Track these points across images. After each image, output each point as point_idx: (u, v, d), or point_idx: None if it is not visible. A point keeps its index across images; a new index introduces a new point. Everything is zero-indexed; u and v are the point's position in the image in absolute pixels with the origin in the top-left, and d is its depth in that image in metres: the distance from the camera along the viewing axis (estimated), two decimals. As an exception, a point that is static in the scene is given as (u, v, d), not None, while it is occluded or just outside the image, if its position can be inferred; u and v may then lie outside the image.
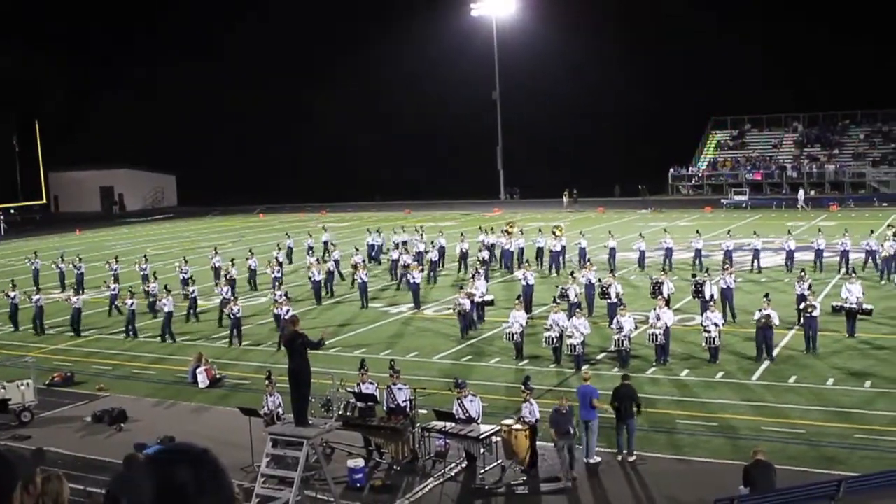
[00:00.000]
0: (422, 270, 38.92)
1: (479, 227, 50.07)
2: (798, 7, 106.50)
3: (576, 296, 31.74)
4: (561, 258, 43.50)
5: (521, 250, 45.31)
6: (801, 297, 28.76)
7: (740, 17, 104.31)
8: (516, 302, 28.75)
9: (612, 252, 43.92)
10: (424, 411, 20.37)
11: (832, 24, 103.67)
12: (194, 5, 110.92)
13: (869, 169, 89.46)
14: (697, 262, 42.33)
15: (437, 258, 44.40)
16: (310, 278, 38.97)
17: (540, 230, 49.26)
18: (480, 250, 43.73)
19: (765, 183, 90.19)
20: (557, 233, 45.99)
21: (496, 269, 44.96)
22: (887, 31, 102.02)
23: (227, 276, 38.70)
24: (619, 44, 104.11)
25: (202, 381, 26.35)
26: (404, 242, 46.29)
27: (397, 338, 31.75)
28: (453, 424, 18.93)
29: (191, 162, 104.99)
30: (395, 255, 44.28)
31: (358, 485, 18.12)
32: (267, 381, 20.72)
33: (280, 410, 20.01)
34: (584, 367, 21.01)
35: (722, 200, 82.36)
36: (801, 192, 79.67)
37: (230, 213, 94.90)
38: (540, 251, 45.67)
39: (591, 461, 18.72)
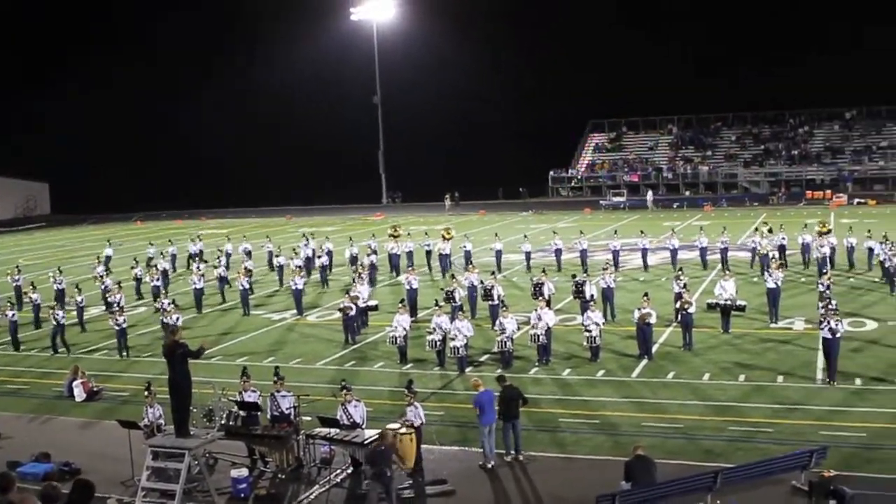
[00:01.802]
0: (303, 276, 38.51)
1: (372, 234, 50.13)
2: (673, 13, 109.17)
3: (459, 298, 31.91)
4: (448, 261, 43.76)
5: (410, 254, 45.33)
6: (678, 296, 29.46)
7: (618, 22, 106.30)
8: (400, 306, 28.74)
9: (499, 254, 44.34)
10: (309, 418, 20.18)
11: (705, 30, 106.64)
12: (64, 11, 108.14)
13: (740, 170, 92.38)
14: (582, 262, 43.01)
15: (327, 263, 44.12)
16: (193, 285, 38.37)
17: (427, 233, 49.36)
18: (368, 255, 43.62)
19: (642, 184, 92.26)
20: (446, 236, 46.19)
21: (383, 273, 44.84)
22: (757, 38, 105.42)
23: (102, 287, 37.75)
24: (500, 48, 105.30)
25: (78, 394, 25.60)
26: (294, 249, 45.82)
27: (280, 345, 31.42)
28: (338, 430, 18.80)
29: (64, 169, 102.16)
30: (281, 260, 43.92)
31: (242, 495, 17.85)
32: (147, 393, 20.25)
33: (161, 422, 19.58)
34: (475, 377, 20.83)
35: (601, 202, 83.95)
36: (649, 194, 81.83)
37: (106, 221, 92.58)
38: (429, 254, 45.80)
39: (490, 465, 18.74)
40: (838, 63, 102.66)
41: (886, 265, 35.70)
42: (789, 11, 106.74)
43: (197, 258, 48.31)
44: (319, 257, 44.10)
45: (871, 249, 39.94)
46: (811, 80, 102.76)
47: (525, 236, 46.57)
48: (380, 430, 17.82)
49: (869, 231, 42.64)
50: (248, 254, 48.74)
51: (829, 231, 42.51)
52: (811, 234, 42.01)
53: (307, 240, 48.48)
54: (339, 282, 43.27)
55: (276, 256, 45.85)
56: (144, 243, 60.92)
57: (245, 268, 39.83)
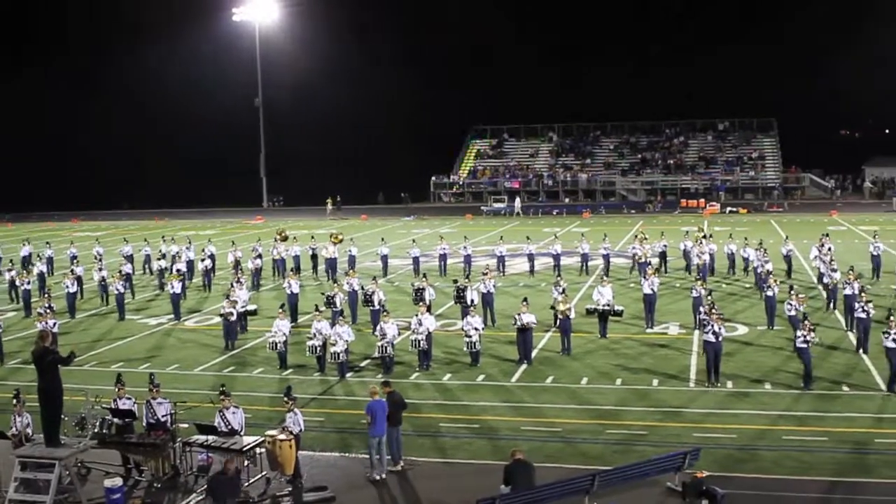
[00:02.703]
0: (182, 280, 37.73)
1: (258, 238, 49.48)
2: (551, 24, 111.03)
3: (340, 303, 31.75)
4: (335, 266, 43.51)
5: (296, 258, 44.85)
6: (557, 301, 29.82)
7: (500, 32, 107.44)
8: (280, 311, 28.42)
9: (385, 259, 44.24)
10: (186, 425, 19.78)
11: (584, 41, 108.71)
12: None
13: (618, 178, 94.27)
14: (466, 267, 43.20)
15: (210, 266, 43.27)
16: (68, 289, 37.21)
17: (313, 237, 48.95)
18: (253, 259, 42.98)
19: (522, 191, 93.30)
20: (335, 240, 45.88)
21: (266, 277, 44.25)
22: (636, 48, 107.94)
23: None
24: (383, 53, 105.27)
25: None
26: (175, 254, 44.68)
27: (157, 350, 30.72)
28: (216, 437, 18.47)
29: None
30: (161, 264, 42.94)
31: (115, 505, 17.37)
32: (15, 401, 19.48)
33: (29, 431, 18.88)
34: (373, 385, 20.40)
35: (482, 208, 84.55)
36: (517, 200, 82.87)
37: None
38: (315, 258, 45.37)
39: (380, 477, 18.52)
40: (712, 76, 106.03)
41: (759, 271, 36.82)
42: (606, 27, 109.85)
43: (75, 261, 46.90)
44: (203, 261, 43.21)
45: (746, 259, 41.19)
46: (686, 92, 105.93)
47: (414, 241, 46.67)
48: (228, 460, 17.00)
49: (746, 239, 43.95)
50: (129, 258, 47.47)
51: (707, 237, 43.57)
52: (691, 241, 43.05)
53: (189, 243, 47.34)
54: (223, 286, 42.63)
55: (158, 260, 44.73)
56: (17, 244, 58.90)
57: (120, 271, 38.80)
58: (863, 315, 26.90)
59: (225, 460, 17.02)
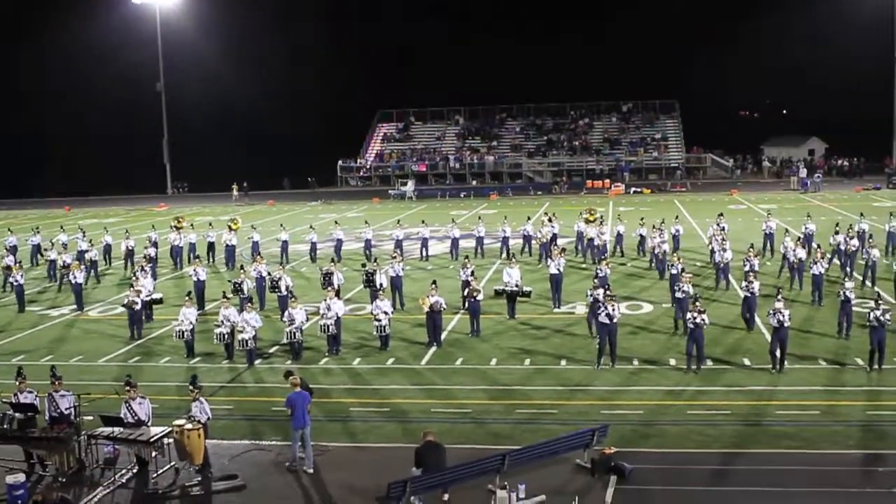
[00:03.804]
0: (83, 270, 36.93)
1: (152, 226, 48.53)
2: (457, 7, 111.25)
3: (247, 290, 31.45)
4: (234, 252, 43.03)
5: (193, 245, 44.22)
6: (465, 283, 30.01)
7: (406, 15, 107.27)
8: (186, 299, 28.02)
9: (285, 245, 43.86)
10: (90, 418, 19.43)
11: (490, 24, 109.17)
12: None
13: (525, 160, 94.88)
14: (367, 251, 43.07)
15: (97, 257, 42.33)
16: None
17: (211, 224, 48.26)
18: (146, 247, 42.21)
19: (430, 174, 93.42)
20: (233, 226, 45.35)
21: (164, 265, 43.54)
22: (539, 32, 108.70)
23: None
24: (289, 37, 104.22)
25: None
26: (64, 244, 43.57)
27: (59, 342, 30.01)
28: (122, 429, 18.16)
29: None
30: (52, 254, 41.84)
31: (19, 502, 16.94)
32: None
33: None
34: (293, 377, 19.99)
35: (389, 191, 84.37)
36: (410, 184, 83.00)
37: None
38: (212, 245, 44.79)
39: (310, 470, 18.28)
40: (615, 58, 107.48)
41: (656, 251, 37.44)
42: (510, 10, 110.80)
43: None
44: (87, 252, 42.15)
45: (642, 237, 41.86)
46: (590, 74, 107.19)
47: (312, 227, 46.36)
48: (45, 488, 16.38)
49: (642, 219, 44.60)
50: (37, 247, 46.27)
51: (597, 220, 43.95)
52: (583, 223, 43.39)
53: (83, 233, 46.14)
54: (116, 276, 41.87)
55: (47, 251, 43.49)
56: None
57: (14, 262, 37.77)
58: (748, 294, 27.59)
59: (40, 489, 16.48)
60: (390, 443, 19.41)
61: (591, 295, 27.18)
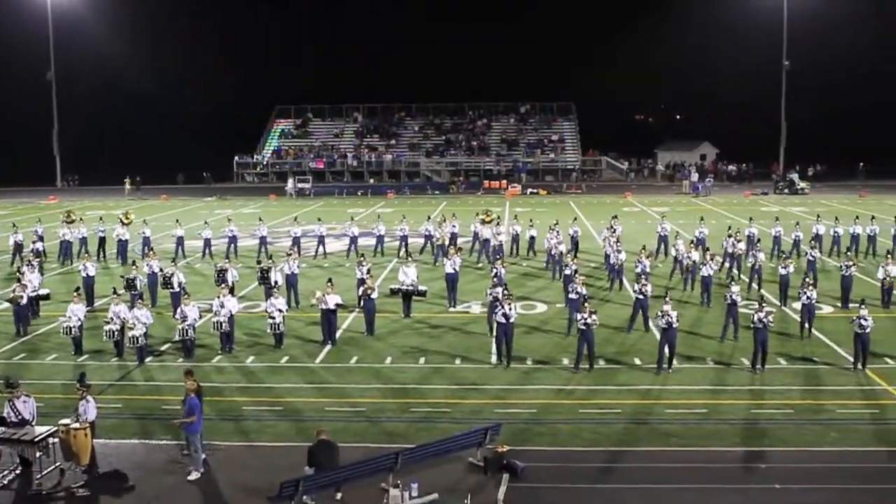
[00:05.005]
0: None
1: (38, 219, 47.18)
2: (356, 4, 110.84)
3: (140, 286, 30.88)
4: (126, 247, 42.17)
5: (83, 240, 43.17)
6: (361, 281, 29.96)
7: (305, 11, 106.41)
8: (75, 294, 27.36)
9: (180, 240, 43.13)
10: (-29, 417, 18.83)
11: (389, 22, 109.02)
12: None
13: (423, 159, 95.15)
14: (263, 249, 42.58)
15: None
16: None
17: (101, 219, 47.19)
18: (34, 241, 41.10)
19: (327, 171, 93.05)
20: (125, 220, 44.39)
21: (52, 260, 42.44)
22: (439, 30, 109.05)
23: None
24: (184, 29, 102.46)
25: None
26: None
27: (-61, 338, 29.06)
28: (4, 429, 17.66)
29: None
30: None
31: None
32: None
33: None
34: (191, 380, 19.47)
35: (286, 188, 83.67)
36: (290, 181, 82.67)
37: None
38: (103, 240, 43.78)
39: (200, 473, 17.91)
40: (514, 60, 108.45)
41: (552, 252, 37.91)
42: (470, 8, 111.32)
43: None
44: None
45: (532, 238, 42.39)
46: (489, 75, 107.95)
47: (206, 223, 45.69)
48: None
49: (532, 221, 45.00)
50: None
51: (493, 220, 44.26)
52: (480, 223, 43.67)
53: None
54: (2, 270, 40.67)
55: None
56: None
57: None
58: (640, 297, 28.17)
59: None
60: (283, 442, 19.26)
61: (490, 294, 27.44)
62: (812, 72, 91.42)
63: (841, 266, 32.58)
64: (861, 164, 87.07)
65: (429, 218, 46.04)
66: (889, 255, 32.69)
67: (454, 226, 43.52)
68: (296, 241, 42.28)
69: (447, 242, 40.20)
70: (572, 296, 27.84)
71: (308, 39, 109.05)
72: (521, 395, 22.21)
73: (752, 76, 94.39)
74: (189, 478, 17.49)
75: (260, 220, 46.50)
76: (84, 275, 33.09)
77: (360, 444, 18.63)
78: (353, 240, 43.21)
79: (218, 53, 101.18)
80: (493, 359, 25.08)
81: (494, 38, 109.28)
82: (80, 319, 26.36)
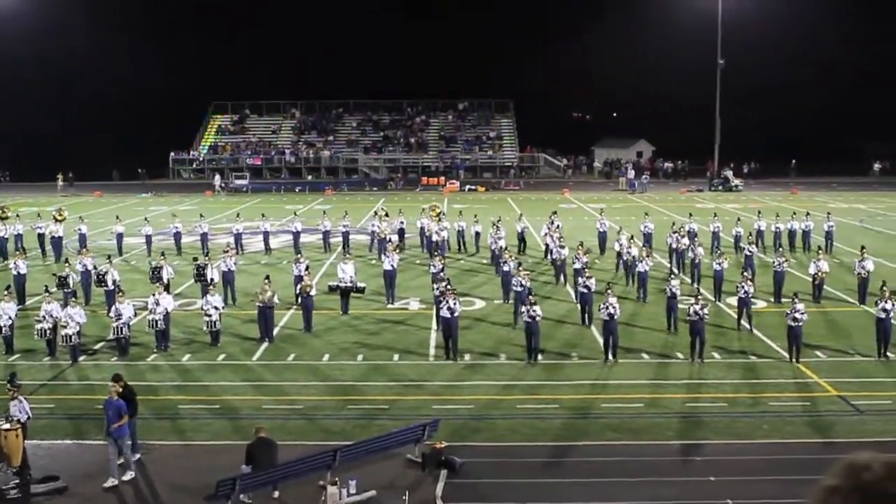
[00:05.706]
0: None
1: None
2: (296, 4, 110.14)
3: (74, 283, 30.40)
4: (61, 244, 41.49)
5: (19, 237, 42.35)
6: (298, 279, 29.79)
7: (242, 6, 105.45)
8: (6, 293, 26.84)
9: (120, 237, 42.53)
10: None
11: (325, 17, 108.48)
12: None
13: (361, 155, 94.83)
14: (204, 245, 42.08)
15: None
16: None
17: (39, 215, 46.38)
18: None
19: (265, 167, 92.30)
20: (58, 217, 43.67)
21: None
22: (378, 26, 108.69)
23: None
24: (118, 22, 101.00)
25: None
26: None
27: None
28: (-67, 430, 17.28)
29: None
30: None
31: None
32: None
33: None
34: (113, 385, 18.92)
35: (213, 183, 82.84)
36: (217, 177, 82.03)
37: None
38: (41, 237, 42.94)
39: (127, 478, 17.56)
40: (452, 56, 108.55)
41: (493, 248, 38.03)
42: (409, 3, 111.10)
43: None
44: None
45: (477, 234, 42.54)
46: (428, 71, 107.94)
47: (147, 219, 45.08)
48: None
49: (476, 216, 45.10)
50: None
51: (438, 215, 44.41)
52: (427, 218, 43.83)
53: None
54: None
55: None
56: None
57: None
58: (584, 290, 28.39)
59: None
60: (220, 440, 19.11)
61: (437, 289, 27.48)
62: (746, 71, 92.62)
63: (774, 261, 33.12)
64: (793, 161, 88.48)
65: (375, 214, 45.96)
66: (820, 251, 33.41)
67: (402, 222, 43.49)
68: (238, 238, 41.93)
69: (387, 237, 40.13)
70: (517, 288, 28.09)
71: (245, 34, 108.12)
72: (460, 390, 22.26)
73: (687, 75, 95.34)
74: (124, 478, 17.25)
75: (201, 216, 45.97)
76: (15, 273, 32.55)
77: (298, 443, 18.53)
78: (296, 235, 42.94)
79: (154, 48, 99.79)
80: (432, 354, 25.08)
81: (433, 34, 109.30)
82: (10, 318, 25.89)
